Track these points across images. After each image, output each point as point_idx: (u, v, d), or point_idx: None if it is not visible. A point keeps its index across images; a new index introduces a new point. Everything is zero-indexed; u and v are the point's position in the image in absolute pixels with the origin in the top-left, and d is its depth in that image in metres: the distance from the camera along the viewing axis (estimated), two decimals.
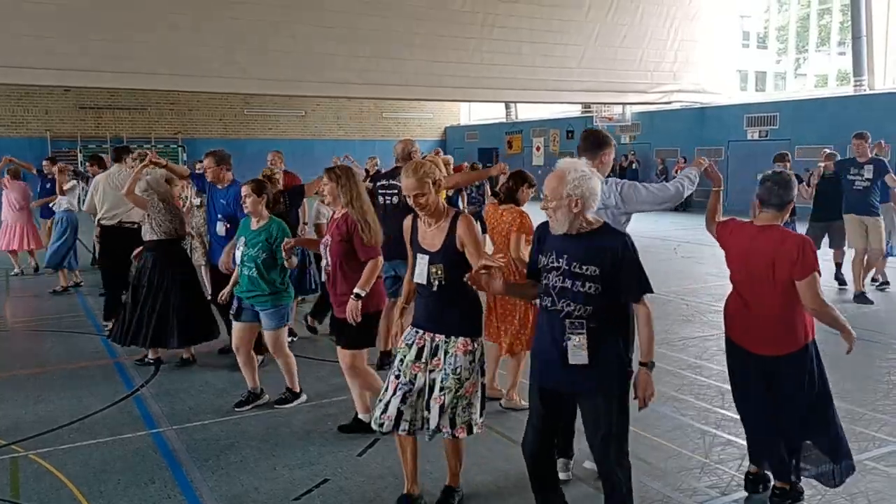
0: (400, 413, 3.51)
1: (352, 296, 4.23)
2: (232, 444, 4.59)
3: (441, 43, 17.29)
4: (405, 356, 3.59)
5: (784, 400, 3.56)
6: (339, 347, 4.50)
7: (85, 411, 5.16)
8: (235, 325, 5.13)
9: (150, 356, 6.30)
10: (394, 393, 3.55)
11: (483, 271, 3.11)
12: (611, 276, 3.01)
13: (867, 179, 8.64)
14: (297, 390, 5.31)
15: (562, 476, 3.85)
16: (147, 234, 6.07)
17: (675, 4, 19.94)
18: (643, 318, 3.10)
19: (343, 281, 4.37)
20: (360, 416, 4.70)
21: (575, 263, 3.03)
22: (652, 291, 3.09)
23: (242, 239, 5.06)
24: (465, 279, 3.18)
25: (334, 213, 4.55)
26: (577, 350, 3.04)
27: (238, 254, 5.05)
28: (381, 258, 4.37)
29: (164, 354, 6.34)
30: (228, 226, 5.99)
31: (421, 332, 3.59)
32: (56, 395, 5.57)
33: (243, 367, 5.22)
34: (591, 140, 4.31)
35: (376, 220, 4.42)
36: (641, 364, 3.10)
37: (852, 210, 8.85)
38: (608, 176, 4.02)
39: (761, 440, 3.72)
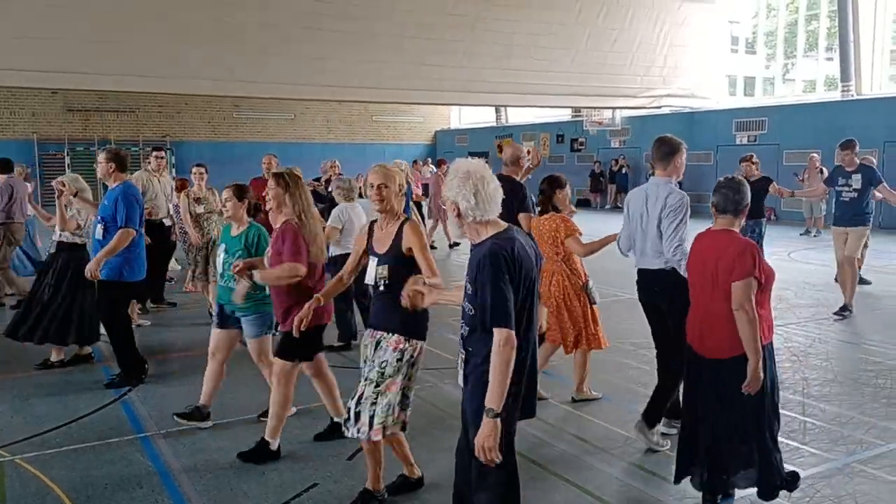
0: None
1: (244, 277, 4.28)
2: (220, 449, 4.55)
3: (430, 47, 17.30)
4: (365, 357, 3.65)
5: (729, 402, 3.52)
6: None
7: (72, 415, 5.11)
8: (215, 331, 4.90)
9: (53, 358, 6.34)
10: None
11: (414, 291, 3.14)
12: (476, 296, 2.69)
13: (855, 190, 8.21)
14: None
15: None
16: (62, 237, 6.25)
17: (665, 10, 20.04)
18: (492, 352, 2.63)
19: (285, 295, 4.24)
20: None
21: (466, 277, 2.81)
22: (499, 325, 2.61)
23: (223, 246, 4.85)
24: (401, 299, 3.18)
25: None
26: (459, 370, 2.83)
27: (220, 261, 4.86)
28: (303, 267, 4.17)
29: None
30: (105, 228, 5.72)
31: (372, 331, 3.66)
32: (42, 399, 5.52)
33: (209, 377, 4.88)
34: (663, 149, 4.39)
35: (323, 236, 4.38)
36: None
37: (837, 222, 8.50)
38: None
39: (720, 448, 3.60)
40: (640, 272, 4.62)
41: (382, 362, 3.50)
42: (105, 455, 4.45)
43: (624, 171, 24.28)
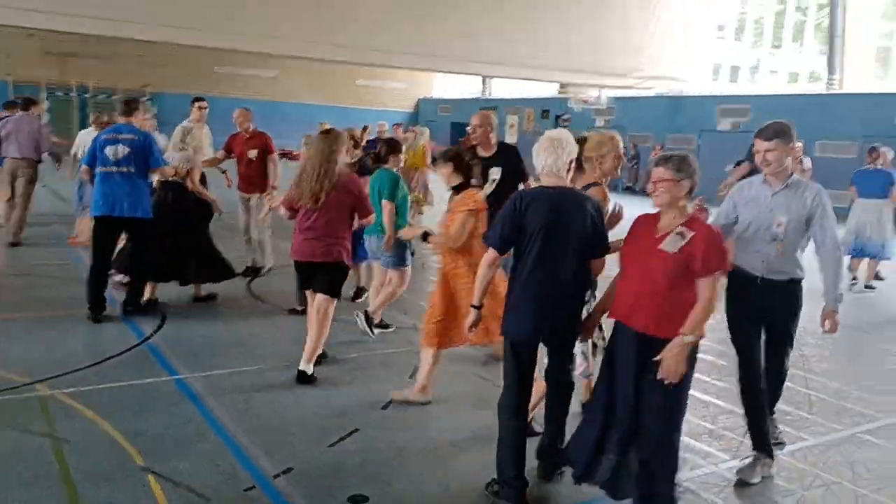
0: None
1: None
2: (255, 394, 4.66)
3: (421, 11, 17.24)
4: None
5: None
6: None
7: (101, 355, 5.15)
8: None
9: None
10: None
11: None
12: None
13: None
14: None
15: None
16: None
17: None
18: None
19: None
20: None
21: None
22: (487, 244, 3.45)
23: None
24: None
25: None
26: None
27: None
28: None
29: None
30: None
31: None
32: (67, 339, 5.55)
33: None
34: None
35: (312, 184, 4.85)
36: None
37: None
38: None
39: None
40: None
41: None
42: (144, 393, 4.54)
43: None
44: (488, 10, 18.16)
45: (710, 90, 23.31)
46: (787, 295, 3.89)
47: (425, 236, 4.73)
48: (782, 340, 3.97)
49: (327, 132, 5.05)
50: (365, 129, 10.44)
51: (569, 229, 3.35)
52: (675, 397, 3.16)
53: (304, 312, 5.91)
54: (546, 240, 3.32)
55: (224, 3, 14.91)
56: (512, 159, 5.61)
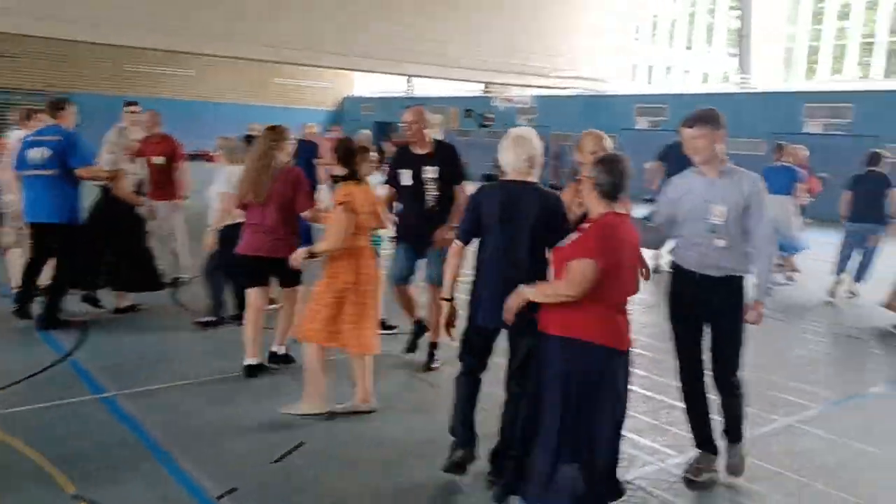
0: None
1: None
2: (191, 410, 4.44)
3: (344, 8, 17.05)
4: None
5: None
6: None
7: (18, 375, 4.80)
8: None
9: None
10: None
11: None
12: None
13: None
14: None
15: None
16: None
17: None
18: None
19: None
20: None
21: None
22: (455, 238, 3.61)
23: None
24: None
25: None
26: None
27: None
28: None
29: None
30: None
31: None
32: None
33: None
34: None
35: (251, 179, 4.88)
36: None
37: None
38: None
39: None
40: None
41: None
42: (70, 414, 4.25)
43: None
44: (415, 11, 18.13)
45: (628, 90, 23.93)
46: (726, 292, 3.77)
47: (311, 254, 4.47)
48: (725, 342, 3.83)
49: (272, 128, 4.98)
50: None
51: (522, 224, 3.43)
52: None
53: (236, 318, 5.73)
54: (501, 234, 3.44)
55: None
56: (448, 158, 5.42)
